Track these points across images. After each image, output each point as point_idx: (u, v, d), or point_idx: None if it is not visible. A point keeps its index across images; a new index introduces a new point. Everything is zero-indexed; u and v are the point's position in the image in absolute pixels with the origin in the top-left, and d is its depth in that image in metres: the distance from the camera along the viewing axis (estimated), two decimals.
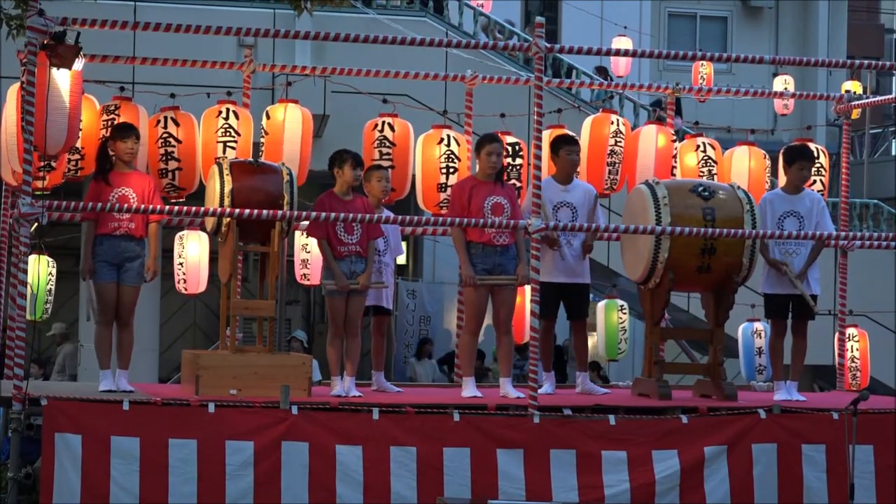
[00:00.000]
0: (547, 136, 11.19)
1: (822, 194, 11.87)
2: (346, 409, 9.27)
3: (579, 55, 10.53)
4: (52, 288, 11.37)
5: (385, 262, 10.41)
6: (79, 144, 10.31)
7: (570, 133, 11.16)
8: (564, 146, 10.60)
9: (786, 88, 20.75)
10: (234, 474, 8.85)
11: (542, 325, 10.53)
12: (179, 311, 21.84)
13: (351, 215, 9.70)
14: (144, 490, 8.71)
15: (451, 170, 11.24)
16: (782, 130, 19.31)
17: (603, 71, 21.87)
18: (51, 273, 11.31)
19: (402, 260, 20.46)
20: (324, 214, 9.58)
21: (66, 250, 15.23)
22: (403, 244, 11.51)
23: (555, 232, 10.12)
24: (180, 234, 11.52)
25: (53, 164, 9.96)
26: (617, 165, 11.65)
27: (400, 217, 10.05)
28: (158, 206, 9.57)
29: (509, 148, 11.21)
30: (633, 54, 12.06)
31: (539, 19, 9.98)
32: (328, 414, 9.16)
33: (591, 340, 13.34)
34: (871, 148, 26.97)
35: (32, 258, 10.56)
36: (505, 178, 10.54)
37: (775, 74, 24.09)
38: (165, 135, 10.72)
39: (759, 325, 12.69)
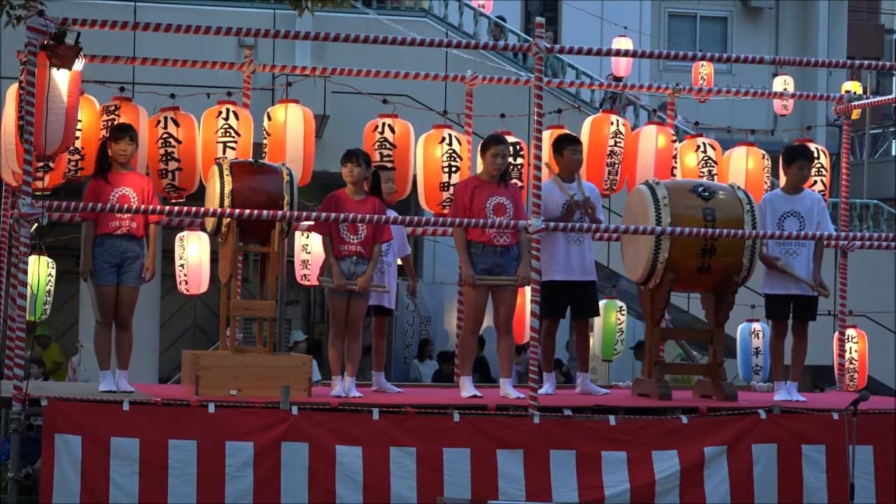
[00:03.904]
0: (547, 136, 11.21)
1: (824, 194, 11.89)
2: (346, 410, 9.26)
3: (579, 55, 10.53)
4: (52, 288, 11.37)
5: (387, 262, 10.41)
6: (79, 145, 10.33)
7: (572, 133, 11.17)
8: (569, 146, 10.61)
9: (785, 89, 20.74)
10: (233, 475, 8.84)
11: (545, 326, 10.59)
12: (179, 311, 21.83)
13: (351, 215, 9.68)
14: (144, 491, 8.71)
15: (454, 169, 11.24)
16: (783, 131, 19.33)
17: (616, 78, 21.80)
18: (50, 274, 11.31)
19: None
20: (324, 215, 9.58)
21: (66, 251, 15.23)
22: None
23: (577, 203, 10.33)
24: (181, 234, 11.52)
25: (52, 164, 9.95)
26: (617, 166, 11.66)
27: (401, 217, 10.05)
28: (158, 207, 9.58)
29: (510, 148, 11.20)
30: (633, 54, 12.07)
31: (539, 20, 9.98)
32: (328, 414, 9.16)
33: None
34: (871, 148, 26.98)
35: (32, 259, 10.57)
36: (509, 178, 10.54)
37: (775, 75, 24.08)
38: (165, 135, 10.72)
39: (757, 326, 12.69)
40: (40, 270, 11.08)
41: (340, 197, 9.94)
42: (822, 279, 10.53)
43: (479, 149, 10.31)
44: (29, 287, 9.93)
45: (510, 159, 11.13)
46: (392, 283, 10.51)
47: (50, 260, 11.26)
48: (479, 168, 10.26)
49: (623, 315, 13.19)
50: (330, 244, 9.89)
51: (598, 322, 13.05)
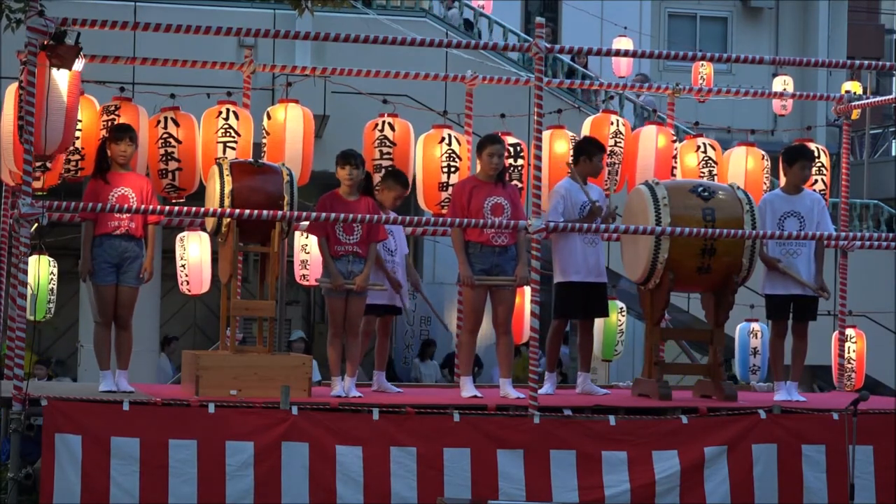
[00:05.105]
0: (547, 136, 11.23)
1: (825, 194, 11.89)
2: (346, 410, 9.27)
3: (579, 55, 10.54)
4: (55, 288, 11.37)
5: (397, 261, 10.41)
6: (79, 145, 10.34)
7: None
8: (600, 153, 10.65)
9: (785, 89, 20.75)
10: (234, 475, 8.85)
11: (554, 325, 10.64)
12: (179, 311, 21.84)
13: (350, 216, 9.69)
14: (144, 491, 8.71)
15: (453, 169, 11.24)
16: (782, 131, 19.32)
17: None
18: (52, 273, 11.30)
19: None
20: (323, 215, 9.59)
21: (67, 251, 15.23)
22: None
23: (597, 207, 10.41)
24: (181, 235, 11.52)
25: (49, 164, 9.94)
26: (617, 166, 11.66)
27: (400, 217, 10.06)
28: (157, 207, 9.58)
29: (510, 149, 11.21)
30: (633, 54, 12.07)
31: (539, 20, 9.98)
32: (328, 414, 9.17)
33: None
34: (871, 148, 26.97)
35: (33, 259, 10.57)
36: (507, 178, 10.55)
37: (775, 75, 24.08)
38: (165, 135, 10.72)
39: (755, 326, 12.69)
40: (42, 270, 11.09)
41: (335, 198, 9.96)
42: (823, 281, 10.53)
43: (475, 149, 10.33)
44: (30, 287, 9.94)
45: (510, 160, 11.15)
46: (402, 282, 10.51)
47: (51, 259, 11.26)
48: (479, 168, 10.27)
49: (623, 316, 13.20)
50: (326, 245, 9.90)
51: (598, 322, 13.04)
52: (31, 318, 10.87)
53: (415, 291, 11.18)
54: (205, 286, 11.58)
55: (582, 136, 11.52)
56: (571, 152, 11.03)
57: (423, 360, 20.32)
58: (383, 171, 10.87)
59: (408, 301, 10.65)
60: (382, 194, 10.42)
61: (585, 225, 10.24)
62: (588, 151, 10.62)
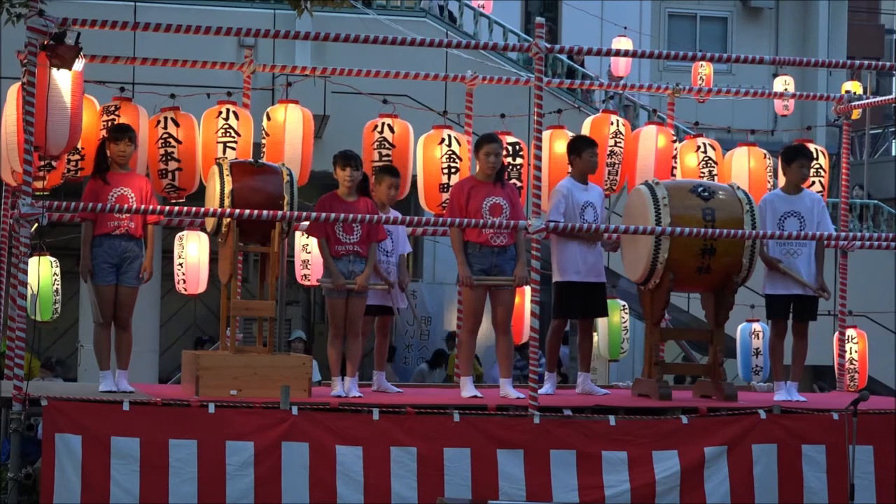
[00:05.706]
0: (547, 136, 11.23)
1: (822, 195, 11.88)
2: (347, 410, 9.27)
3: (579, 55, 10.54)
4: (59, 288, 11.38)
5: (393, 262, 10.41)
6: (79, 145, 10.31)
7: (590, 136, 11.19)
8: (588, 148, 10.62)
9: (786, 89, 20.75)
10: (234, 475, 8.85)
11: (554, 325, 10.65)
12: (179, 311, 21.83)
13: (350, 216, 9.70)
14: (144, 490, 8.71)
15: (453, 170, 11.23)
16: (782, 131, 19.33)
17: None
18: (55, 273, 11.31)
19: None
20: (323, 215, 9.59)
21: (67, 251, 15.24)
22: None
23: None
24: (180, 234, 11.53)
25: (54, 164, 9.96)
26: (617, 166, 11.66)
27: (400, 216, 10.07)
28: (157, 207, 9.58)
29: (509, 148, 11.22)
30: (633, 55, 12.06)
31: (539, 20, 9.98)
32: (328, 414, 9.17)
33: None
34: (871, 148, 26.98)
35: (35, 259, 10.57)
36: (506, 177, 10.55)
37: (775, 75, 24.09)
38: (165, 135, 10.72)
39: (757, 326, 12.69)
40: (44, 271, 11.09)
41: (335, 198, 9.97)
42: (823, 281, 10.53)
43: (473, 149, 10.33)
44: (30, 287, 9.93)
45: (510, 159, 11.15)
46: (394, 282, 10.50)
47: (53, 260, 11.26)
48: (477, 168, 10.27)
49: (626, 314, 13.20)
50: (326, 246, 9.90)
51: (601, 322, 13.05)
52: (34, 318, 10.90)
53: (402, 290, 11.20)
54: (201, 286, 11.59)
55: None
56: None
57: (432, 369, 20.13)
58: None
59: (405, 301, 10.62)
60: (377, 191, 10.40)
61: (585, 227, 10.24)
62: (576, 149, 10.62)
